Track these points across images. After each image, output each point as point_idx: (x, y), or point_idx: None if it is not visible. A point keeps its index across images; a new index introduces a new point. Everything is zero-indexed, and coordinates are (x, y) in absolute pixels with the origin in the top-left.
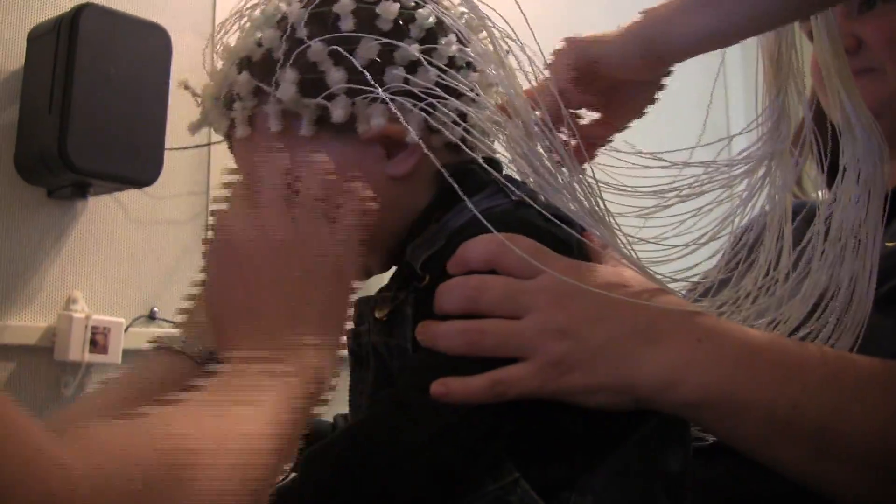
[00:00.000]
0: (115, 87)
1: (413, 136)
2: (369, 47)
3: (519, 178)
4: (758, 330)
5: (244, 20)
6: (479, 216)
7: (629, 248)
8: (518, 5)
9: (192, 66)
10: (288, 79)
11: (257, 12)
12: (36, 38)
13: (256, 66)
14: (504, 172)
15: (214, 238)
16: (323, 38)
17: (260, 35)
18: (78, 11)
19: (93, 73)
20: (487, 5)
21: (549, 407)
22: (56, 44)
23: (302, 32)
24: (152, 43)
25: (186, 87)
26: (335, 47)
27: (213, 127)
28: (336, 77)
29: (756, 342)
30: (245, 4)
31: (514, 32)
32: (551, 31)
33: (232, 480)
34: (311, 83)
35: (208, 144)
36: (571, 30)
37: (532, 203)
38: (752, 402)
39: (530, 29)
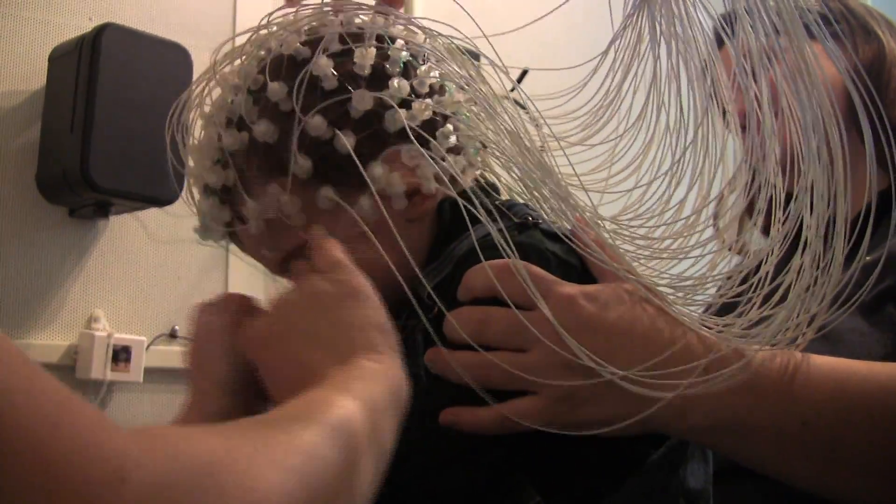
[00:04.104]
0: (136, 107)
1: (446, 182)
2: (362, 99)
3: (520, 201)
4: (765, 350)
5: (196, 104)
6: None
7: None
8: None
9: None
10: (304, 166)
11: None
12: (57, 58)
13: (254, 154)
14: (503, 197)
15: (249, 343)
16: (316, 109)
17: (226, 123)
18: (99, 31)
19: (114, 93)
20: (444, 23)
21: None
22: (78, 64)
23: (288, 107)
24: (173, 62)
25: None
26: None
27: (213, 220)
28: (346, 143)
29: (763, 364)
30: (197, 89)
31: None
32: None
33: (286, 484)
34: (321, 157)
35: None
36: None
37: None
38: (762, 424)
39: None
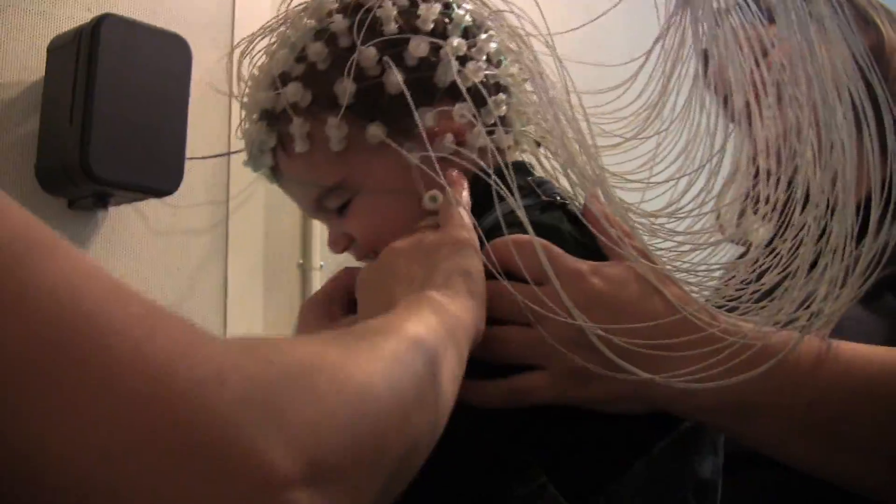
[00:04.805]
0: (135, 98)
1: (483, 133)
2: (418, 46)
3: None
4: (772, 331)
5: (266, 38)
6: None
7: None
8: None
9: (211, 77)
10: (349, 90)
11: (280, 28)
12: (56, 49)
13: (304, 79)
14: (537, 174)
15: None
16: (374, 41)
17: (286, 51)
18: (98, 22)
19: (113, 84)
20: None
21: (574, 411)
22: (77, 55)
23: (347, 42)
24: (172, 53)
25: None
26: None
27: (259, 146)
28: (394, 79)
29: (770, 346)
30: (268, 23)
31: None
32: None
33: (374, 384)
34: (367, 90)
35: (228, 154)
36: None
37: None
38: (767, 405)
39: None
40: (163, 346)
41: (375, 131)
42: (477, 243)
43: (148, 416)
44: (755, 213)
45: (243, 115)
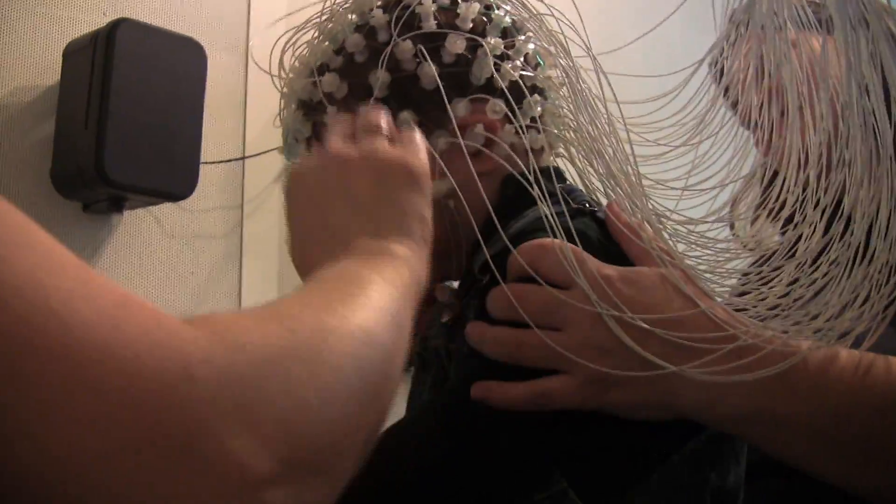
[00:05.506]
0: (150, 102)
1: (519, 124)
2: (455, 42)
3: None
4: (796, 341)
5: (308, 32)
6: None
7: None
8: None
9: (225, 80)
10: (384, 80)
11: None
12: (72, 53)
13: (341, 71)
14: (567, 182)
15: (288, 182)
16: (410, 34)
17: (326, 43)
18: (114, 27)
19: (129, 88)
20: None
21: (596, 417)
22: (92, 59)
23: (385, 36)
24: (188, 58)
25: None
26: (422, 46)
27: (295, 136)
28: (429, 72)
29: (789, 350)
30: (312, 18)
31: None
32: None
33: (344, 369)
34: (401, 82)
35: (243, 158)
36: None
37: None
38: (793, 415)
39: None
40: (129, 340)
41: (406, 118)
42: (428, 171)
43: (114, 416)
44: (791, 223)
45: (282, 104)
